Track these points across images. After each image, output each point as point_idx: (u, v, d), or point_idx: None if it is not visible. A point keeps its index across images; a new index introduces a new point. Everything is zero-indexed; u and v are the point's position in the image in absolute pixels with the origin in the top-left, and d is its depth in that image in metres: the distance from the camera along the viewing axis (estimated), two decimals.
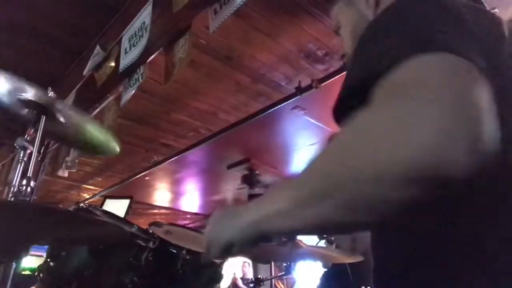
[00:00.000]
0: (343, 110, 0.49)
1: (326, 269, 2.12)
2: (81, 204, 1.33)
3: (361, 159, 0.37)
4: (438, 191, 0.33)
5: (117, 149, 1.29)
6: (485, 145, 0.32)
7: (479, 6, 0.59)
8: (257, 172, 4.56)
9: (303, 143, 3.98)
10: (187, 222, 7.00)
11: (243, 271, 5.33)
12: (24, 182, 0.99)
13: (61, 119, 1.14)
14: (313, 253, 1.68)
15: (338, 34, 0.84)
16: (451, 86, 0.35)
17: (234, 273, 5.71)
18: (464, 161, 0.31)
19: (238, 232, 0.52)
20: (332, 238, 2.13)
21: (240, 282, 5.22)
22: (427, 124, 0.33)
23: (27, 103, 1.08)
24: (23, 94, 1.06)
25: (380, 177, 0.34)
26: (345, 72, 0.81)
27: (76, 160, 3.30)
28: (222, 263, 1.33)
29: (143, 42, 1.94)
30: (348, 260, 1.58)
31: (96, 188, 5.50)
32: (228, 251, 0.55)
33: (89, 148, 1.40)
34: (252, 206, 0.51)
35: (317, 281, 2.15)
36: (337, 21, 0.82)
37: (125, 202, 3.55)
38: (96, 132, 1.25)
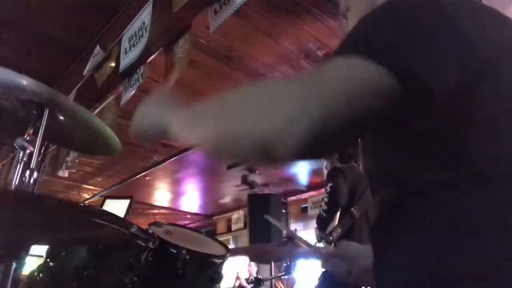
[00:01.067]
0: None
1: (324, 269, 2.12)
2: (81, 204, 1.32)
3: (234, 121, 0.50)
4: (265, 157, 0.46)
5: (119, 146, 1.29)
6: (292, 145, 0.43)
7: (489, 8, 0.59)
8: (257, 172, 4.56)
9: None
10: (187, 222, 7.00)
11: (249, 271, 5.34)
12: (27, 173, 1.00)
13: (61, 117, 1.13)
14: (312, 253, 1.68)
15: (345, 17, 0.85)
16: (331, 87, 0.45)
17: (238, 273, 5.71)
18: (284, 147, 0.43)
19: (154, 123, 0.74)
20: (331, 238, 2.13)
21: (244, 282, 5.22)
22: (291, 107, 0.44)
23: (27, 102, 1.08)
24: (23, 93, 1.06)
25: (240, 137, 0.48)
26: None
27: (76, 160, 3.30)
28: (222, 263, 1.33)
29: (143, 42, 1.94)
30: None
31: (96, 188, 5.50)
32: (144, 133, 0.77)
33: (90, 147, 1.39)
34: (172, 114, 0.69)
35: (316, 281, 2.15)
36: (347, 3, 0.83)
37: (125, 202, 3.55)
38: (97, 128, 1.25)
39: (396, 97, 0.44)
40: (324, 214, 2.19)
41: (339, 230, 2.12)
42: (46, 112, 1.07)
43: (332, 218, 2.17)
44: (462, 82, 0.47)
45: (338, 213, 2.19)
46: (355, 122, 0.45)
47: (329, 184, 2.22)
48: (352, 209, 2.17)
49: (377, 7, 0.57)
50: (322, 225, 2.18)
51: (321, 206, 2.24)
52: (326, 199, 2.21)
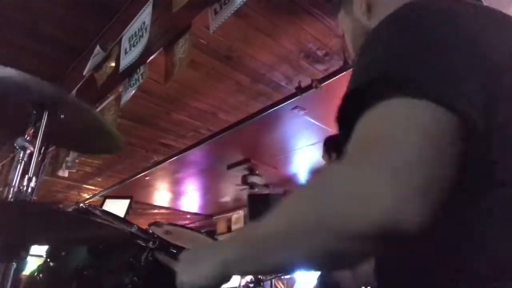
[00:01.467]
0: (345, 117, 0.50)
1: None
2: (81, 204, 1.32)
3: (327, 214, 0.41)
4: (387, 246, 0.40)
5: (122, 144, 1.29)
6: (426, 211, 0.37)
7: (497, 12, 0.57)
8: (257, 172, 4.56)
9: (303, 143, 3.98)
10: (187, 222, 7.00)
11: None
12: (25, 182, 0.99)
13: (62, 116, 1.13)
14: None
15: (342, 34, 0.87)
16: (412, 150, 0.39)
17: None
18: (417, 221, 0.37)
19: (203, 278, 0.57)
20: None
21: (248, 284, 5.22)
22: (386, 188, 0.37)
23: (27, 102, 1.08)
24: (24, 92, 1.06)
25: (343, 232, 0.39)
26: (345, 72, 0.82)
27: (76, 160, 3.31)
28: None
29: (143, 42, 1.94)
30: None
31: (96, 188, 5.50)
32: None
33: (92, 145, 1.39)
34: (214, 250, 0.57)
35: (315, 281, 2.15)
36: (341, 28, 0.84)
37: (125, 202, 3.55)
38: (100, 125, 1.25)
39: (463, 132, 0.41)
40: None
41: None
42: (46, 116, 1.07)
43: None
44: (488, 103, 0.44)
45: None
46: (452, 172, 0.40)
47: None
48: None
49: (383, 32, 0.51)
50: None
51: None
52: None
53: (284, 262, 0.46)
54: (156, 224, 1.36)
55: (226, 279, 0.56)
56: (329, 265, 0.46)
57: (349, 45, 0.80)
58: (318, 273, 2.16)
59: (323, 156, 2.55)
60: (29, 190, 1.00)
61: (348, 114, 0.47)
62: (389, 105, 0.43)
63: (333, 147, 2.48)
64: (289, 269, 0.50)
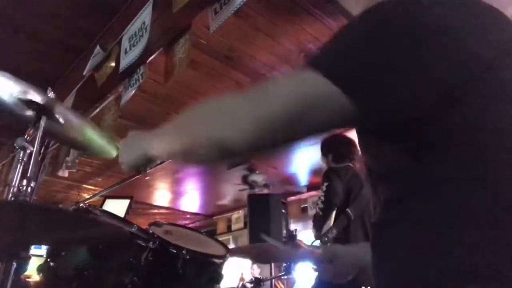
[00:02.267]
0: None
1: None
2: (81, 204, 1.33)
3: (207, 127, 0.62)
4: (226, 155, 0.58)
5: (114, 152, 1.29)
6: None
7: (489, 7, 0.58)
8: (257, 172, 4.56)
9: (303, 143, 3.97)
10: (187, 222, 7.00)
11: (251, 273, 5.34)
12: (25, 182, 0.99)
13: (61, 120, 1.14)
14: (312, 253, 1.68)
15: None
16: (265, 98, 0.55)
17: (242, 274, 5.71)
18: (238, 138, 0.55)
19: (139, 156, 0.78)
20: (326, 239, 2.13)
21: (248, 284, 5.22)
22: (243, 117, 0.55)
23: (27, 103, 1.08)
24: (23, 94, 1.06)
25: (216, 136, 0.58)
26: None
27: (76, 160, 3.31)
28: (222, 263, 1.33)
29: (143, 42, 1.94)
30: None
31: (96, 188, 5.50)
32: (135, 166, 0.81)
33: (88, 149, 1.40)
34: (152, 137, 0.76)
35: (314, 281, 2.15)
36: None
37: (125, 202, 3.55)
38: (93, 134, 1.25)
39: (351, 111, 0.49)
40: (320, 213, 2.20)
41: (334, 231, 2.13)
42: (45, 116, 1.07)
43: (327, 218, 2.18)
44: (453, 85, 0.49)
45: (334, 213, 2.20)
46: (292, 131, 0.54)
47: (325, 184, 2.24)
48: (347, 209, 2.18)
49: (354, 18, 0.63)
50: (318, 225, 2.20)
51: (317, 204, 2.26)
52: (322, 198, 2.22)
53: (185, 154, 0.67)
54: (156, 224, 1.36)
55: (151, 159, 0.77)
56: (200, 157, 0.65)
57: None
58: (316, 273, 2.16)
59: (322, 158, 2.57)
60: (29, 190, 1.00)
61: None
62: (300, 73, 0.56)
63: (329, 148, 2.49)
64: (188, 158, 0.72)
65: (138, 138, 0.82)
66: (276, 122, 0.52)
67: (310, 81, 0.52)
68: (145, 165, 0.81)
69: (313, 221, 2.27)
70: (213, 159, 0.63)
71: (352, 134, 3.43)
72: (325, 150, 2.49)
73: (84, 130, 1.23)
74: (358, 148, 0.72)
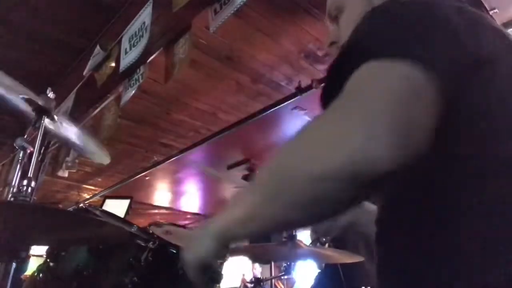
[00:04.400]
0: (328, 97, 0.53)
1: (320, 270, 2.12)
2: (81, 204, 1.33)
3: (302, 164, 0.43)
4: (366, 186, 0.41)
5: (107, 160, 1.30)
6: (403, 149, 0.39)
7: (479, 14, 0.59)
8: (257, 172, 4.56)
9: None
10: (187, 222, 7.00)
11: (253, 273, 5.34)
12: (25, 182, 0.99)
13: (59, 122, 1.14)
14: (312, 253, 1.68)
15: (333, 20, 0.79)
16: (383, 96, 0.41)
17: (244, 274, 5.71)
18: (386, 157, 0.38)
19: (205, 249, 0.57)
20: (324, 240, 2.13)
21: (249, 284, 5.23)
22: (357, 130, 0.39)
23: (27, 103, 1.08)
24: (23, 94, 1.06)
25: (318, 178, 0.41)
26: None
27: (76, 160, 3.30)
28: (222, 263, 1.33)
29: (143, 42, 1.94)
30: (346, 260, 1.57)
31: (96, 188, 5.50)
32: (204, 268, 0.61)
33: (85, 152, 1.40)
34: (213, 220, 0.56)
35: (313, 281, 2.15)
36: (339, 6, 0.78)
37: (125, 202, 3.55)
38: (88, 141, 1.26)
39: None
40: None
41: None
42: (46, 116, 1.08)
43: None
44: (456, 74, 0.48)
45: None
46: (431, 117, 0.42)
47: None
48: None
49: (374, 13, 0.57)
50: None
51: None
52: None
53: (274, 217, 0.47)
54: (156, 224, 1.37)
55: (225, 248, 0.56)
56: (316, 214, 0.46)
57: (349, 25, 0.74)
58: (316, 273, 2.17)
59: None
60: (29, 190, 1.00)
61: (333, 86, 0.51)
62: (367, 66, 0.45)
63: None
64: (279, 226, 0.54)
65: (198, 228, 0.64)
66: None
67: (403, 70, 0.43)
68: (220, 254, 0.58)
69: None
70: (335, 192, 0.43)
71: None
72: None
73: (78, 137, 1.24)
74: None
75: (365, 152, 0.38)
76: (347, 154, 0.39)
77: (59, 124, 1.16)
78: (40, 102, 1.08)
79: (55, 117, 1.13)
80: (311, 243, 2.15)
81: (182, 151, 4.11)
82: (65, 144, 2.47)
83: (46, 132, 1.08)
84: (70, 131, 1.21)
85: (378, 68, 0.45)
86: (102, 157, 1.30)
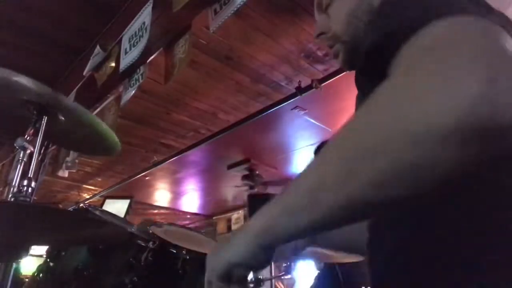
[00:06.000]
0: (367, 71, 0.47)
1: (319, 271, 2.13)
2: (81, 204, 1.33)
3: (396, 120, 0.32)
4: (492, 143, 0.30)
5: (118, 146, 1.29)
6: None
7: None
8: (257, 172, 4.56)
9: (303, 143, 3.97)
10: (187, 222, 7.00)
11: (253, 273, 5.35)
12: (25, 182, 0.99)
13: (62, 118, 1.13)
14: (312, 253, 1.68)
15: (322, 10, 0.77)
16: (487, 41, 0.33)
17: None
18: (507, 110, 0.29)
19: (238, 251, 0.45)
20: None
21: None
22: (473, 75, 0.30)
23: (27, 103, 1.08)
24: (24, 93, 1.06)
25: (422, 136, 0.30)
26: (345, 72, 0.79)
27: (76, 160, 3.31)
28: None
29: (143, 42, 1.94)
30: (346, 260, 1.58)
31: (96, 188, 5.50)
32: (234, 277, 0.47)
33: (90, 147, 1.40)
34: (254, 217, 0.45)
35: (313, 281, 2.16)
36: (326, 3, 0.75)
37: (125, 202, 3.55)
38: (97, 128, 1.25)
39: None
40: None
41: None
42: (46, 116, 1.07)
43: None
44: None
45: None
46: None
47: None
48: None
49: None
50: None
51: None
52: None
53: (348, 198, 0.35)
54: (156, 224, 1.37)
55: (266, 252, 0.44)
56: (407, 193, 0.33)
57: (340, 15, 0.73)
58: (316, 273, 2.17)
59: None
60: (29, 190, 1.00)
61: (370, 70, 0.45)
62: (438, 23, 0.37)
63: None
64: (349, 214, 0.36)
65: (234, 233, 0.50)
66: None
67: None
68: (259, 260, 0.45)
69: None
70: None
71: None
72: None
73: (87, 125, 1.23)
74: None
75: (488, 97, 0.29)
76: (464, 100, 0.29)
77: (62, 119, 1.15)
78: (41, 100, 1.08)
79: (58, 113, 1.12)
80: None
81: (182, 151, 4.11)
82: (66, 146, 2.46)
83: (46, 132, 1.08)
84: (76, 121, 1.20)
85: (456, 22, 0.37)
86: (113, 145, 1.28)
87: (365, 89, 0.45)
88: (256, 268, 0.47)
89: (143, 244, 1.18)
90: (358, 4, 0.70)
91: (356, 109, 0.40)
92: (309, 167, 0.41)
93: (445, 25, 0.37)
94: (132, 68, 2.23)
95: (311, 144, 3.91)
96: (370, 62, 0.51)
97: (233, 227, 6.61)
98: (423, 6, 0.44)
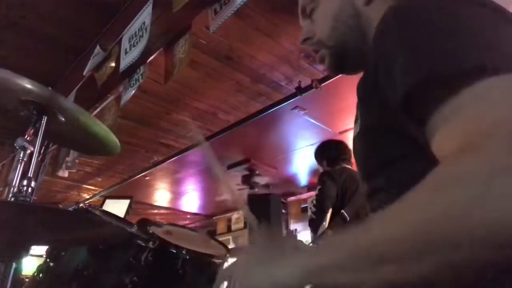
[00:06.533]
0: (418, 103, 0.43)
1: None
2: (81, 204, 1.33)
3: (457, 218, 0.31)
4: None
5: (118, 147, 1.29)
6: None
7: None
8: (257, 172, 4.56)
9: (303, 143, 3.98)
10: (187, 222, 7.00)
11: None
12: (25, 182, 0.99)
13: (62, 118, 1.13)
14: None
15: (306, 15, 0.77)
16: None
17: None
18: None
19: (274, 283, 0.43)
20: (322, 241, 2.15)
21: None
22: None
23: (27, 103, 1.08)
24: (24, 93, 1.06)
25: (482, 239, 0.30)
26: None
27: (76, 160, 3.31)
28: (222, 263, 1.33)
29: (143, 42, 1.94)
30: None
31: (96, 188, 5.50)
32: None
33: (89, 147, 1.40)
34: (302, 253, 0.44)
35: None
36: (314, 1, 0.74)
37: (125, 202, 3.54)
38: (96, 129, 1.25)
39: None
40: (313, 216, 2.25)
41: (329, 232, 2.15)
42: (46, 116, 1.07)
43: (321, 220, 2.21)
44: None
45: (328, 215, 2.23)
46: None
47: (318, 187, 2.30)
48: (342, 211, 2.20)
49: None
50: (314, 227, 2.23)
51: (311, 208, 2.30)
52: (314, 202, 2.28)
53: (390, 276, 0.35)
54: (156, 224, 1.37)
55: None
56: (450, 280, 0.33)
57: (325, 20, 0.72)
58: None
59: (318, 166, 2.61)
60: (29, 190, 1.00)
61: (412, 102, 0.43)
62: (487, 84, 0.37)
63: (322, 155, 2.55)
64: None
65: (278, 250, 0.48)
66: None
67: None
68: None
69: (309, 224, 2.31)
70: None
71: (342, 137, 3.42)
72: (318, 157, 2.58)
73: (86, 126, 1.23)
74: (350, 148, 0.66)
75: None
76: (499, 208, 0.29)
77: (62, 119, 1.15)
78: (41, 101, 1.08)
79: (58, 113, 1.12)
80: (310, 243, 2.16)
81: (182, 151, 4.11)
82: (67, 146, 2.46)
83: (46, 132, 1.08)
84: (75, 122, 1.20)
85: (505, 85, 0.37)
86: (112, 147, 1.28)
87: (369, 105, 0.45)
88: None
89: (143, 244, 1.18)
90: (342, 9, 0.69)
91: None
92: (379, 225, 0.39)
93: (495, 91, 0.36)
94: (132, 68, 2.23)
95: (311, 144, 3.91)
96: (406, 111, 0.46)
97: (233, 227, 6.61)
98: (466, 43, 0.41)
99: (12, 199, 0.98)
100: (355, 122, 0.69)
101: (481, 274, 0.32)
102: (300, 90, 2.82)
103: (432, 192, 0.34)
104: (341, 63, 0.73)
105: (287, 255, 0.46)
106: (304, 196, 5.66)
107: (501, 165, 0.31)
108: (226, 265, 1.31)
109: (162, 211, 6.50)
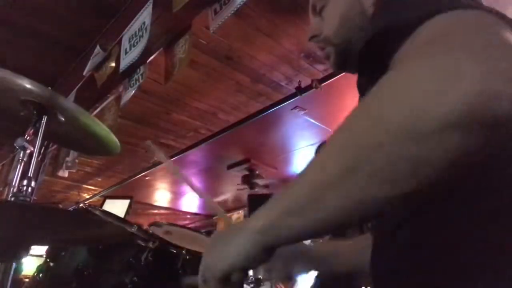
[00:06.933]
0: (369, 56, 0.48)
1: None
2: (81, 204, 1.33)
3: (397, 115, 0.33)
4: (488, 134, 0.31)
5: (118, 147, 1.29)
6: None
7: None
8: (257, 172, 4.56)
9: (303, 143, 3.98)
10: (187, 222, 7.00)
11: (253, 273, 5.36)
12: (25, 182, 0.99)
13: (62, 118, 1.13)
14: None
15: (316, 12, 0.78)
16: (483, 34, 0.35)
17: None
18: (508, 94, 0.30)
19: (238, 252, 0.43)
20: (321, 241, 2.15)
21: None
22: (469, 69, 0.31)
23: (27, 103, 1.07)
24: (24, 93, 1.06)
25: (421, 130, 0.31)
26: (345, 73, 0.79)
27: (76, 160, 3.30)
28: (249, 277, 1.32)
29: (143, 42, 1.94)
30: None
31: (96, 188, 5.50)
32: (232, 279, 0.46)
33: (89, 147, 1.39)
34: (255, 214, 0.44)
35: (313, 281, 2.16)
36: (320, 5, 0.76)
37: (125, 202, 3.54)
38: (96, 129, 1.25)
39: None
40: None
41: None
42: (46, 116, 1.07)
43: None
44: None
45: None
46: None
47: None
48: None
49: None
50: None
51: None
52: None
53: (349, 197, 0.36)
54: (156, 224, 1.37)
55: (268, 253, 0.43)
56: (407, 190, 0.33)
57: (334, 18, 0.73)
58: (316, 273, 2.17)
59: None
60: (29, 190, 1.00)
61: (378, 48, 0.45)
62: (442, 17, 0.39)
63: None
64: (352, 211, 0.36)
65: (233, 227, 0.49)
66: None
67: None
68: (258, 261, 0.44)
69: None
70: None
71: None
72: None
73: (86, 126, 1.23)
74: None
75: (484, 87, 0.30)
76: (461, 94, 0.30)
77: (62, 119, 1.15)
78: (40, 100, 1.08)
79: (58, 113, 1.12)
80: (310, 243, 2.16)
81: (182, 151, 4.11)
82: (67, 146, 2.46)
83: (46, 132, 1.08)
84: (75, 122, 1.20)
85: (458, 15, 0.39)
86: (113, 147, 1.28)
87: (365, 93, 0.46)
88: (254, 268, 0.46)
89: (143, 244, 1.18)
90: (350, 7, 0.70)
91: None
92: (313, 164, 0.41)
93: (443, 19, 0.38)
94: (132, 68, 2.23)
95: (311, 144, 3.91)
96: (369, 62, 0.52)
97: None
98: (420, 3, 0.45)
99: (12, 199, 0.98)
100: None
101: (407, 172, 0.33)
102: (300, 90, 2.82)
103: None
104: (345, 61, 0.74)
105: (231, 232, 0.47)
106: None
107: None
108: None
109: (162, 211, 6.50)
